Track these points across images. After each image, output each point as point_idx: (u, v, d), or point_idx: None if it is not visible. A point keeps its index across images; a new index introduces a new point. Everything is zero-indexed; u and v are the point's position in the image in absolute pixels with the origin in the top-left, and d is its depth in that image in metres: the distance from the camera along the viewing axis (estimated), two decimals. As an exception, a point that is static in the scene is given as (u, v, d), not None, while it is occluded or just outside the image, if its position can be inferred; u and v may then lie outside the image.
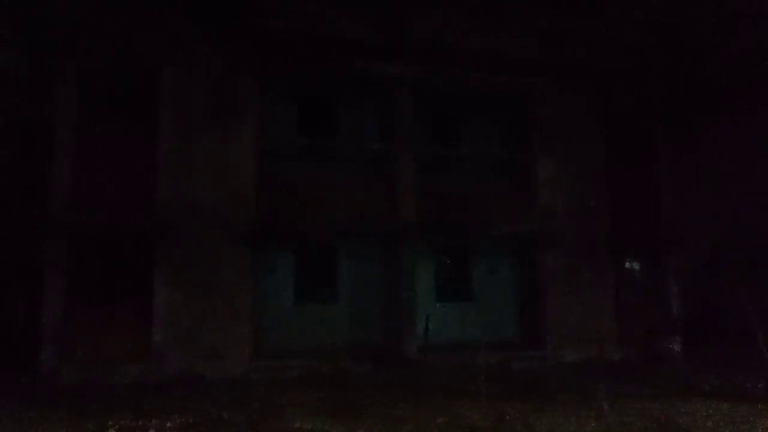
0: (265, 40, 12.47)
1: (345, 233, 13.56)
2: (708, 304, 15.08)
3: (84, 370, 10.89)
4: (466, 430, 7.77)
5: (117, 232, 11.73)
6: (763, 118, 15.03)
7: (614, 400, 9.19)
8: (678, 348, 14.42)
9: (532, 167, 14.51)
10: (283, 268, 13.56)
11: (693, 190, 15.59)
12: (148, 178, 11.91)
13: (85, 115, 11.73)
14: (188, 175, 12.04)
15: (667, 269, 14.99)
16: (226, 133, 12.36)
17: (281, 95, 13.77)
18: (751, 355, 10.79)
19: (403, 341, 12.88)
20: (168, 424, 7.85)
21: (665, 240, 14.97)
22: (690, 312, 14.88)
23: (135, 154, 12.06)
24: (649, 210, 15.12)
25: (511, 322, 14.80)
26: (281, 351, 12.67)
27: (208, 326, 11.73)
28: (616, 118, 15.00)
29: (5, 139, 11.18)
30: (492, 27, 13.79)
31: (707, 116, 15.43)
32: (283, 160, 13.30)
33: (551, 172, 14.36)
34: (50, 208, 11.27)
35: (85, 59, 11.71)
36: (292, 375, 11.51)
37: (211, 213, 12.01)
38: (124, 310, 11.62)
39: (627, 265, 15.24)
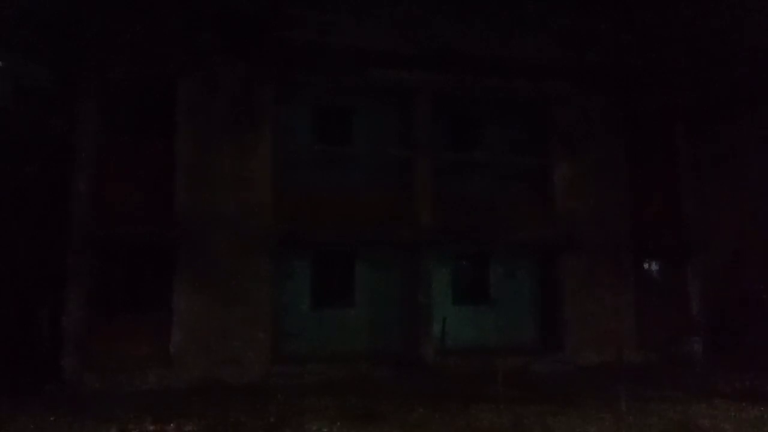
0: (281, 49, 12.58)
1: (363, 241, 13.59)
2: (730, 306, 14.83)
3: (106, 377, 11.06)
4: (484, 433, 7.76)
5: (138, 242, 11.91)
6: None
7: (635, 402, 9.09)
8: (700, 350, 14.22)
9: (550, 171, 14.46)
10: (301, 275, 13.63)
11: (714, 191, 15.38)
12: (168, 188, 12.08)
13: (106, 127, 11.95)
14: (207, 185, 12.18)
15: (688, 271, 14.81)
16: (244, 143, 12.49)
17: (298, 104, 13.84)
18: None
19: (421, 346, 12.87)
20: (187, 428, 7.95)
21: (686, 242, 14.79)
22: (712, 314, 14.66)
23: (155, 165, 12.24)
24: (670, 212, 14.95)
25: (530, 326, 14.69)
26: (300, 357, 12.73)
27: (228, 333, 11.83)
28: (636, 119, 14.88)
29: (29, 151, 11.42)
30: (509, 31, 13.77)
31: (728, 117, 15.24)
32: (301, 169, 13.37)
33: (570, 175, 14.29)
34: (72, 219, 11.49)
35: (106, 72, 11.92)
36: (310, 380, 11.56)
37: (230, 222, 12.13)
38: (145, 318, 11.77)
39: (647, 267, 15.10)
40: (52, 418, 8.64)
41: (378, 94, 14.19)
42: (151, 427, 7.97)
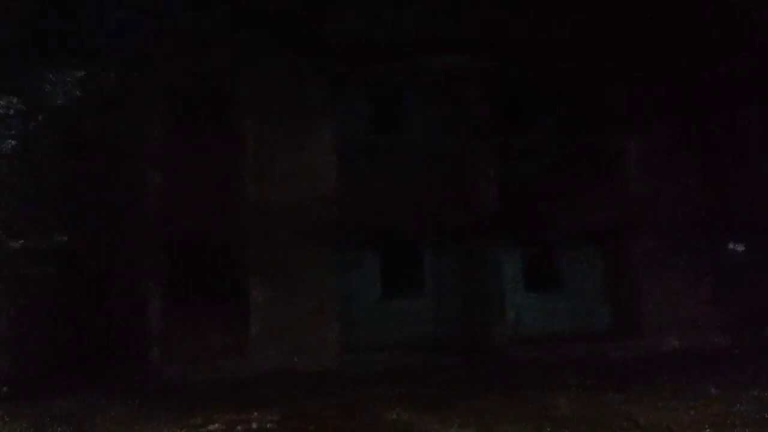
0: (331, 42, 12.64)
1: (425, 229, 13.58)
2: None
3: (187, 368, 11.55)
4: (562, 421, 7.58)
5: (209, 236, 12.34)
6: None
7: (721, 389, 8.70)
8: (789, 334, 13.47)
9: (615, 152, 14.02)
10: (367, 265, 13.73)
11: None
12: (235, 182, 12.43)
13: (172, 126, 12.44)
14: (271, 179, 12.46)
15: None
16: (305, 136, 12.70)
17: (355, 95, 13.89)
18: None
19: (491, 333, 12.79)
20: (268, 417, 8.18)
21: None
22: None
23: (220, 162, 12.63)
24: (750, 190, 14.19)
25: (603, 311, 14.27)
26: (369, 345, 12.84)
27: (299, 323, 12.11)
28: (707, 93, 14.15)
29: (101, 153, 11.94)
30: (561, 12, 13.36)
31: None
32: (361, 160, 13.42)
33: (637, 155, 13.82)
34: (147, 217, 12.01)
35: (168, 72, 12.37)
36: (380, 369, 11.66)
37: (295, 214, 12.37)
38: (220, 310, 12.25)
39: (729, 247, 14.41)
40: (140, 409, 9.06)
41: (432, 81, 14.01)
42: (235, 417, 8.25)
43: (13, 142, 9.32)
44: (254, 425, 7.92)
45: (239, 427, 7.83)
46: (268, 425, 7.91)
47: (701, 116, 14.13)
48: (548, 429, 7.28)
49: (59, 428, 8.13)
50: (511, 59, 13.44)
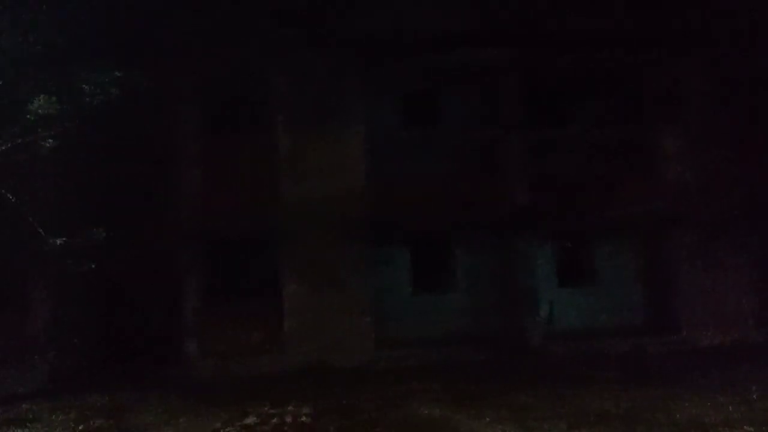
0: (362, 38, 12.64)
1: (458, 224, 13.52)
2: None
3: (222, 363, 11.73)
4: (597, 417, 7.50)
5: (244, 233, 12.51)
6: None
7: (763, 386, 8.47)
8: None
9: (653, 142, 13.70)
10: (399, 260, 13.74)
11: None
12: (268, 179, 12.55)
13: (206, 124, 12.61)
14: (305, 175, 12.50)
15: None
16: (336, 132, 12.71)
17: (386, 91, 13.88)
18: None
19: (525, 329, 12.67)
20: (303, 411, 8.28)
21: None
22: None
23: (254, 159, 12.76)
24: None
25: (640, 306, 14.02)
26: (402, 340, 12.86)
27: (333, 318, 12.16)
28: (745, 83, 13.75)
29: (138, 152, 12.19)
30: (597, 2, 13.11)
31: None
32: (392, 155, 13.39)
33: (676, 146, 13.48)
34: (183, 214, 12.23)
35: (203, 72, 12.55)
36: (413, 364, 11.67)
37: (328, 210, 12.41)
38: (255, 306, 12.38)
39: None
40: (175, 402, 9.25)
41: (464, 74, 13.92)
42: (270, 410, 8.37)
43: (53, 142, 9.51)
44: (289, 419, 8.02)
45: (274, 421, 7.95)
46: (302, 419, 8.01)
47: (740, 106, 13.74)
48: (583, 425, 7.20)
49: (100, 421, 8.37)
50: (545, 51, 13.25)
